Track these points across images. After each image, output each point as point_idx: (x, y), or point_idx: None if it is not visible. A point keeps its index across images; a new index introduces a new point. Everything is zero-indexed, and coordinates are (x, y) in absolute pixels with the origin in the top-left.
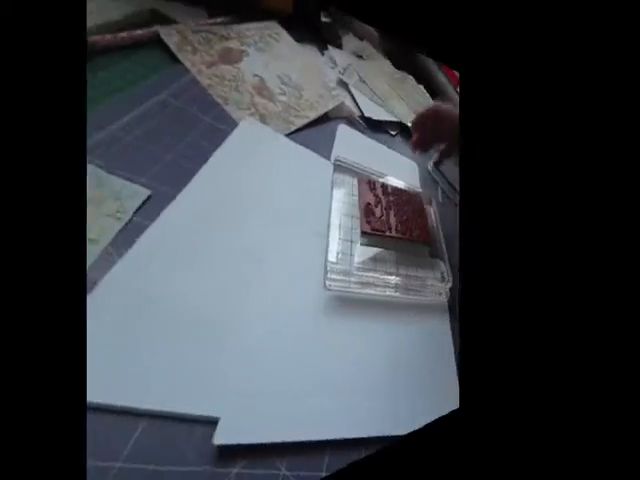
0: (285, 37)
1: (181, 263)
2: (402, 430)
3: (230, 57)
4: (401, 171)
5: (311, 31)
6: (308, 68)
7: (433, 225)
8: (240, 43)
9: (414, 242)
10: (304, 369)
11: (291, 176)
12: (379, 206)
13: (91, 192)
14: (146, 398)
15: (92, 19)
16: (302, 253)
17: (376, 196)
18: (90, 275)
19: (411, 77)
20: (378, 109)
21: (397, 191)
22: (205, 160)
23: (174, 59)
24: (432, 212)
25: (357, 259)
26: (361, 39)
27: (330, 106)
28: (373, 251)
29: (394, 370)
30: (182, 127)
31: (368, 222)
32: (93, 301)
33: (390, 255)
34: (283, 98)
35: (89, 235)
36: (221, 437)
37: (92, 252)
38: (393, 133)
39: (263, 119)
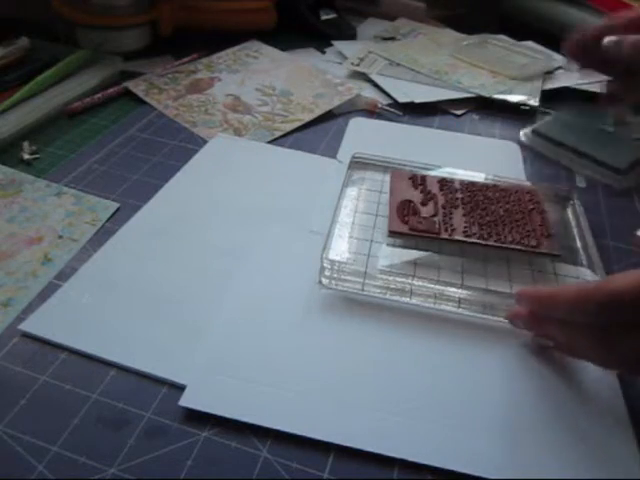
0: (267, 51)
1: (146, 255)
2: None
3: (199, 86)
4: (485, 158)
5: (308, 33)
6: (299, 73)
7: (568, 227)
8: (210, 72)
9: (510, 250)
10: (282, 356)
11: (274, 178)
12: (430, 204)
13: (72, 207)
14: (116, 352)
15: (75, 91)
16: (290, 250)
17: (425, 193)
18: (72, 264)
19: (498, 36)
20: (425, 90)
21: (474, 187)
22: (172, 175)
23: (143, 103)
24: (557, 210)
25: (383, 261)
26: (392, 19)
27: (335, 103)
28: (413, 255)
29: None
30: (148, 153)
31: (405, 221)
32: (74, 282)
33: (450, 262)
34: (264, 108)
35: (72, 236)
36: (188, 401)
37: (74, 248)
38: (458, 113)
39: (238, 132)
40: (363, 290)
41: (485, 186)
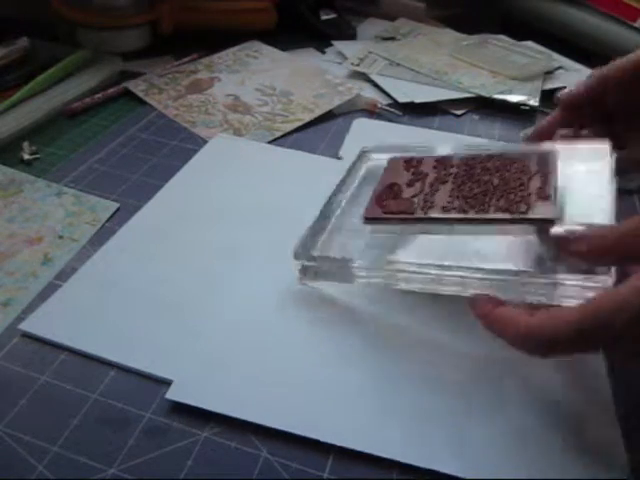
0: (267, 51)
1: (146, 256)
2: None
3: (199, 87)
4: None
5: (309, 33)
6: (299, 73)
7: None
8: (210, 72)
9: (498, 222)
10: (278, 355)
11: (274, 178)
12: (417, 184)
13: (72, 207)
14: (115, 352)
15: (75, 91)
16: (290, 249)
17: (416, 173)
18: (72, 264)
19: (498, 36)
20: (425, 90)
21: (473, 160)
22: (172, 175)
23: (143, 103)
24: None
25: (367, 252)
26: (392, 19)
27: (336, 103)
28: (395, 240)
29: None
30: (148, 153)
31: (382, 205)
32: (74, 282)
33: (433, 243)
34: (264, 109)
35: (72, 236)
36: (175, 394)
37: (74, 248)
38: (458, 113)
39: (238, 132)
40: (351, 283)
41: (489, 157)
